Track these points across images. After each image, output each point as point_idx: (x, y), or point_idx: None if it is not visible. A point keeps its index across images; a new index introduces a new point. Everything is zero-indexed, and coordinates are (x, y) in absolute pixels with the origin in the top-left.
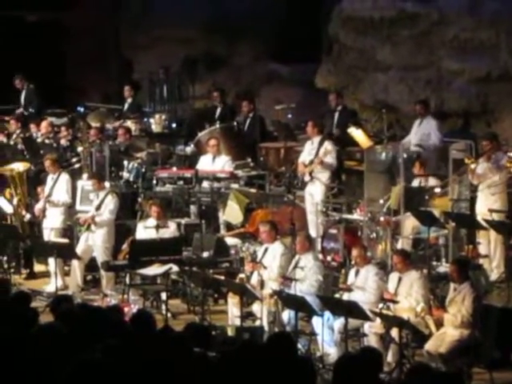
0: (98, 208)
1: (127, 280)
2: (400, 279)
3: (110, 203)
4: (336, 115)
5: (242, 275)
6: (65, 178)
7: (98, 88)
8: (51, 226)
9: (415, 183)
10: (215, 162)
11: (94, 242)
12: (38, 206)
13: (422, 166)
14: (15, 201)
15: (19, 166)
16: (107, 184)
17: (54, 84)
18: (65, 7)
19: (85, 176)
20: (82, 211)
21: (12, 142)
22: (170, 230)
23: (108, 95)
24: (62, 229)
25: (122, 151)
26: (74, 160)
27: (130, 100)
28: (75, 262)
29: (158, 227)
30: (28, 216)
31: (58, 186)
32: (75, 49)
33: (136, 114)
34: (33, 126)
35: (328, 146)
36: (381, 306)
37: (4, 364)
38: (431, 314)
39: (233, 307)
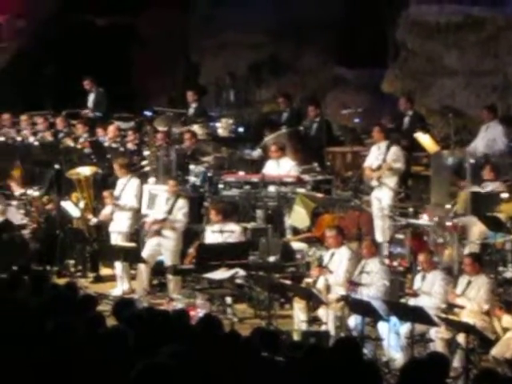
0: (170, 213)
1: (194, 284)
2: (469, 282)
3: (183, 207)
4: (406, 120)
5: (308, 280)
6: (135, 182)
7: (164, 92)
8: (118, 230)
9: (488, 188)
10: (281, 167)
11: (166, 247)
12: (106, 211)
13: (493, 170)
14: (81, 205)
15: (86, 170)
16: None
17: (122, 88)
18: (134, 12)
19: (151, 180)
20: (149, 215)
21: (79, 146)
22: (235, 235)
23: (175, 99)
24: (128, 233)
25: (189, 155)
26: (141, 164)
27: (194, 105)
28: (142, 266)
29: (222, 231)
30: (94, 220)
31: (127, 191)
32: (143, 53)
33: (201, 118)
34: (100, 130)
35: (396, 151)
36: (443, 306)
37: (72, 367)
38: (494, 315)
39: (299, 312)
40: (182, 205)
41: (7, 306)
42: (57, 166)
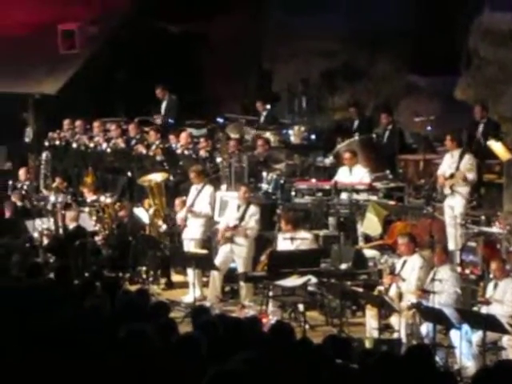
0: (242, 219)
1: (266, 291)
2: None
3: (255, 214)
4: (480, 127)
5: (380, 287)
6: (209, 190)
7: (237, 99)
8: (191, 237)
9: None
10: (353, 174)
11: (238, 254)
12: (181, 216)
13: None
14: (151, 211)
15: (157, 177)
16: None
17: (194, 95)
18: (207, 19)
19: (223, 187)
20: (221, 222)
21: (151, 153)
22: (307, 242)
23: (247, 106)
24: (201, 240)
25: (261, 162)
26: (213, 171)
27: (264, 113)
28: (214, 273)
29: (292, 239)
30: (164, 227)
31: (200, 198)
32: (215, 60)
33: (273, 125)
34: (172, 137)
35: (469, 160)
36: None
37: (145, 374)
38: None
39: (371, 319)
40: (253, 212)
41: (80, 312)
42: (129, 173)
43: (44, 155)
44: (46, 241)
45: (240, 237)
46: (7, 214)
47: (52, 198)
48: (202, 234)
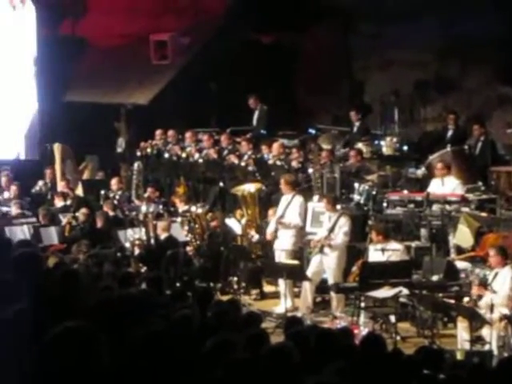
0: (332, 230)
1: (357, 302)
2: None
3: (344, 225)
4: None
5: (466, 298)
6: (299, 200)
7: (328, 110)
8: (282, 248)
9: None
10: (445, 185)
11: (327, 264)
12: (270, 229)
13: None
14: (244, 221)
15: (251, 187)
16: (338, 206)
17: (286, 106)
18: (299, 30)
19: (315, 198)
20: (313, 233)
21: (243, 163)
22: (399, 253)
23: (339, 117)
24: (292, 250)
25: (353, 173)
26: (305, 182)
27: (357, 123)
28: (306, 284)
29: (383, 250)
30: (256, 237)
31: (291, 208)
32: (307, 70)
33: (365, 136)
34: (264, 148)
35: None
36: None
37: None
38: None
39: (462, 331)
40: (343, 223)
41: (171, 322)
42: (221, 183)
43: (136, 165)
44: (137, 251)
45: (329, 248)
46: (99, 224)
47: (143, 208)
48: (293, 245)
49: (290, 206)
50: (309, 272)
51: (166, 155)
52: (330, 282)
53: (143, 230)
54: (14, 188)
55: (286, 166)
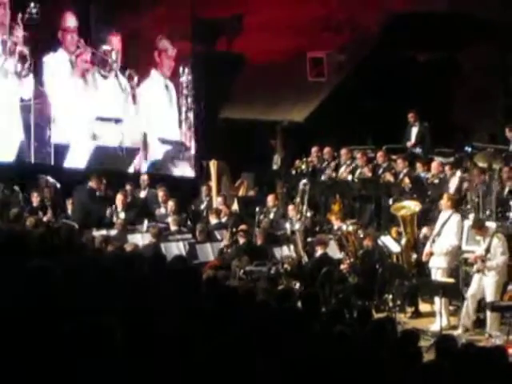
0: (488, 251)
1: None
2: None
3: (499, 245)
4: None
5: None
6: (456, 219)
7: (485, 127)
8: (438, 266)
9: None
10: None
11: (486, 283)
12: (427, 250)
13: None
14: (403, 241)
15: (413, 206)
16: (493, 225)
17: (443, 123)
18: (455, 47)
19: (471, 216)
20: (469, 251)
21: (399, 181)
22: None
23: (495, 135)
24: (448, 268)
25: (509, 191)
26: (461, 200)
27: None
28: (469, 302)
29: None
30: (414, 256)
31: (448, 226)
32: (465, 87)
33: None
34: (419, 166)
35: None
36: None
37: None
38: None
39: None
40: (497, 243)
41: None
42: (378, 201)
43: (302, 183)
44: (289, 267)
45: (486, 267)
46: (259, 241)
47: (297, 226)
48: (449, 263)
49: (446, 224)
50: (470, 291)
51: (323, 178)
52: (487, 300)
53: (296, 247)
54: (171, 204)
55: (444, 184)
